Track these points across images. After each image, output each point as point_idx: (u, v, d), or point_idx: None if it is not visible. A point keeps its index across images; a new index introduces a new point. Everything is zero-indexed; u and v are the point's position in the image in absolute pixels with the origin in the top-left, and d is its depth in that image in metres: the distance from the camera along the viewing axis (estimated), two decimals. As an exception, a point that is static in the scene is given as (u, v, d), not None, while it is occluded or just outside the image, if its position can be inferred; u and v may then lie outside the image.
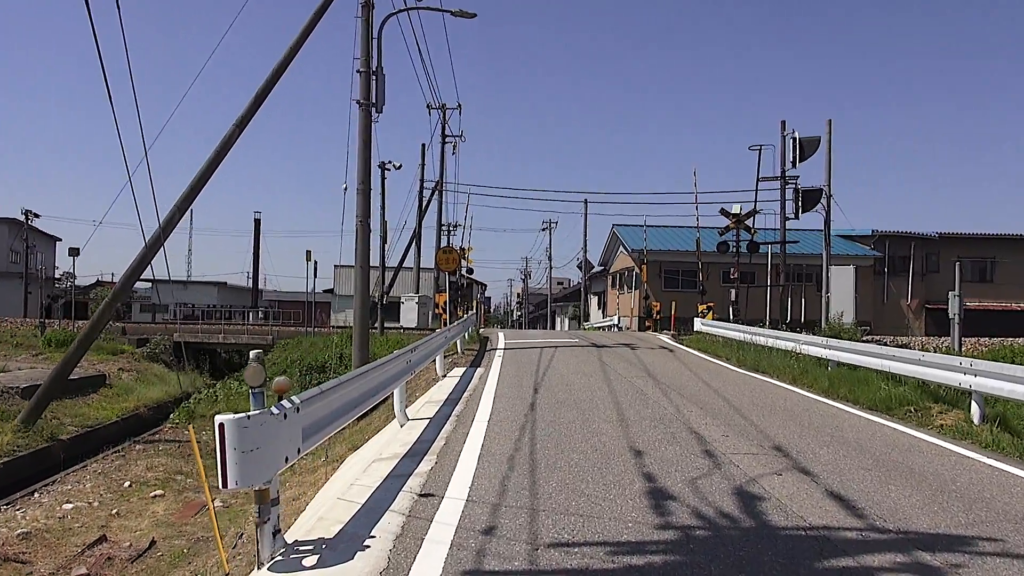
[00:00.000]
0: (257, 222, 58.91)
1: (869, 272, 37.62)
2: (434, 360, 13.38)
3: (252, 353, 4.20)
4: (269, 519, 4.19)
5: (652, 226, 36.77)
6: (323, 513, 5.33)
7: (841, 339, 17.29)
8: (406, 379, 8.79)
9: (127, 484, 11.93)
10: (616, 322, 37.00)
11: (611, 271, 44.86)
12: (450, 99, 51.29)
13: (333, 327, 37.47)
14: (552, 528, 4.66)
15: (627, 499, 5.31)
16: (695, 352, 18.74)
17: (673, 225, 40.16)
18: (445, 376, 13.35)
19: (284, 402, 4.40)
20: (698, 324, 23.46)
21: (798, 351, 14.13)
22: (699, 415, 8.94)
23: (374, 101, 18.27)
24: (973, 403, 8.96)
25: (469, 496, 5.40)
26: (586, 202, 51.39)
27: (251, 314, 57.21)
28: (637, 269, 35.22)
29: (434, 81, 70.07)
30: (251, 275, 61.94)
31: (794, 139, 22.83)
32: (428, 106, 35.76)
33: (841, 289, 23.33)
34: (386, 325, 35.46)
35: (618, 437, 7.52)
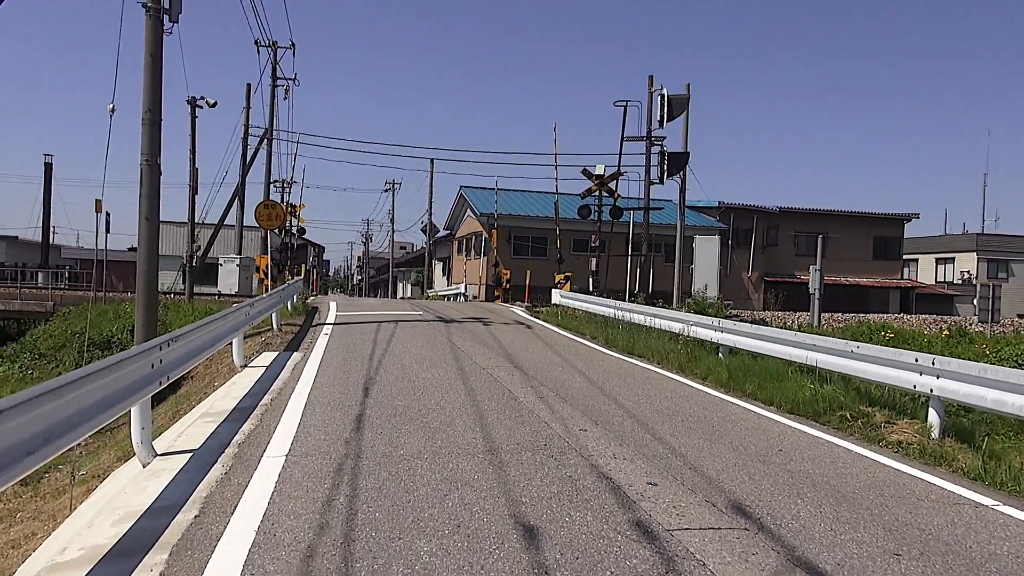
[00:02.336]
0: (48, 166, 50.42)
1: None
2: (231, 343, 10.00)
3: None
4: None
5: (504, 189, 34.24)
6: None
7: (707, 314, 15.61)
8: (150, 391, 5.49)
9: None
10: (463, 290, 34.34)
11: (458, 236, 42.06)
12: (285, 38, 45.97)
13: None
14: None
15: None
16: (557, 329, 16.40)
17: (525, 189, 37.90)
18: (246, 366, 10.01)
19: None
20: (556, 296, 21.21)
21: (687, 333, 12.02)
22: (598, 437, 6.34)
23: (167, 6, 14.20)
24: (931, 411, 7.02)
25: None
26: (432, 161, 48.17)
27: (41, 274, 49.28)
28: (486, 234, 32.63)
29: (260, 8, 62.76)
30: (43, 229, 53.23)
31: (662, 96, 20.94)
32: (256, 43, 31.12)
33: (705, 260, 21.95)
34: (203, 291, 30.75)
35: (490, 492, 4.73)
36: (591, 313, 17.68)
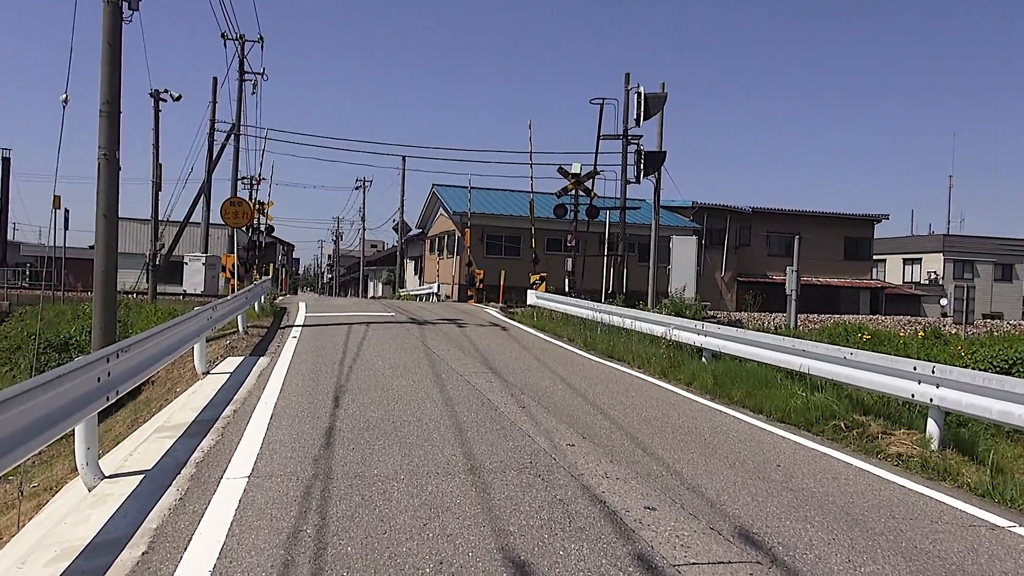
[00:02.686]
0: (6, 161, 48.76)
1: (690, 244, 37.22)
2: (193, 348, 9.43)
3: None
4: None
5: (477, 188, 33.75)
6: None
7: (685, 316, 15.33)
8: (95, 409, 4.96)
9: None
10: (435, 290, 33.82)
11: (430, 234, 41.50)
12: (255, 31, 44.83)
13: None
14: None
15: None
16: (533, 332, 16.00)
17: (500, 188, 37.47)
18: (209, 373, 9.46)
19: None
20: (532, 297, 20.81)
21: (669, 337, 11.68)
22: (587, 452, 5.94)
23: (126, -9, 13.51)
24: (931, 421, 6.74)
25: None
26: (404, 158, 47.53)
27: (-2, 272, 47.71)
28: (459, 233, 32.14)
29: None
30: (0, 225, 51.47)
31: (639, 94, 20.65)
32: (223, 36, 30.19)
33: (682, 261, 21.71)
34: (168, 290, 29.83)
35: (474, 519, 4.30)
36: (568, 315, 17.31)
